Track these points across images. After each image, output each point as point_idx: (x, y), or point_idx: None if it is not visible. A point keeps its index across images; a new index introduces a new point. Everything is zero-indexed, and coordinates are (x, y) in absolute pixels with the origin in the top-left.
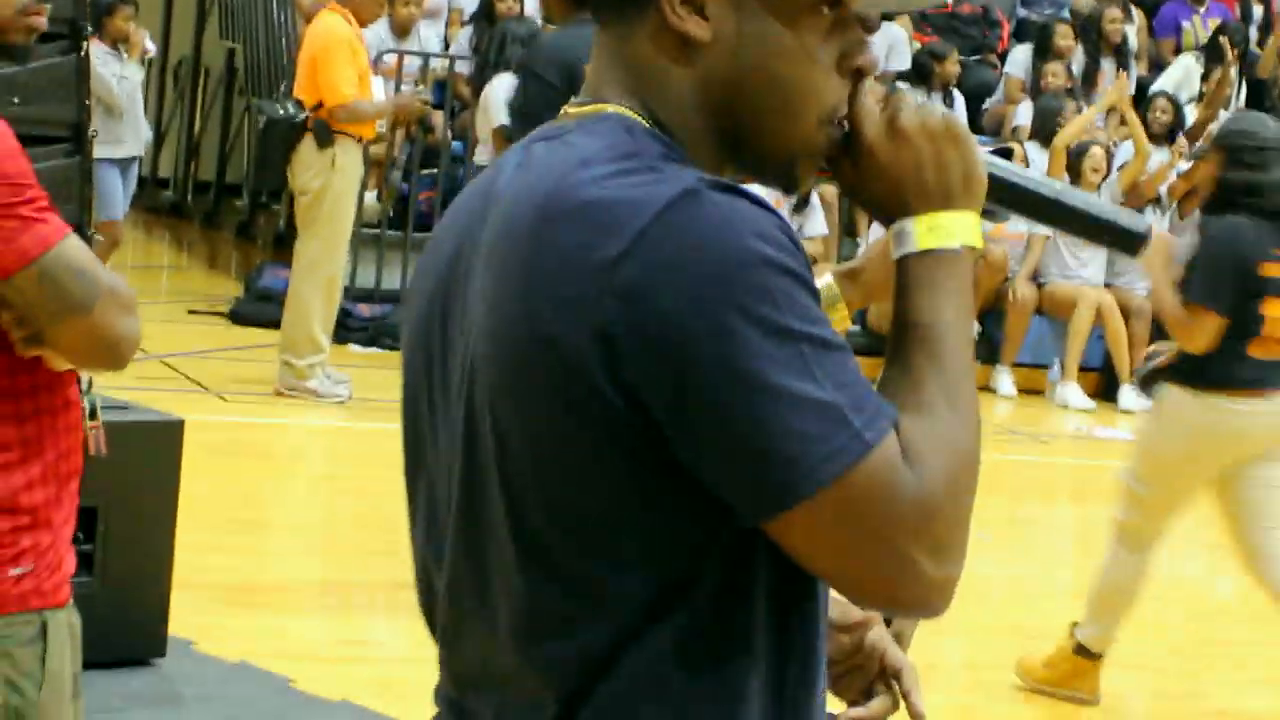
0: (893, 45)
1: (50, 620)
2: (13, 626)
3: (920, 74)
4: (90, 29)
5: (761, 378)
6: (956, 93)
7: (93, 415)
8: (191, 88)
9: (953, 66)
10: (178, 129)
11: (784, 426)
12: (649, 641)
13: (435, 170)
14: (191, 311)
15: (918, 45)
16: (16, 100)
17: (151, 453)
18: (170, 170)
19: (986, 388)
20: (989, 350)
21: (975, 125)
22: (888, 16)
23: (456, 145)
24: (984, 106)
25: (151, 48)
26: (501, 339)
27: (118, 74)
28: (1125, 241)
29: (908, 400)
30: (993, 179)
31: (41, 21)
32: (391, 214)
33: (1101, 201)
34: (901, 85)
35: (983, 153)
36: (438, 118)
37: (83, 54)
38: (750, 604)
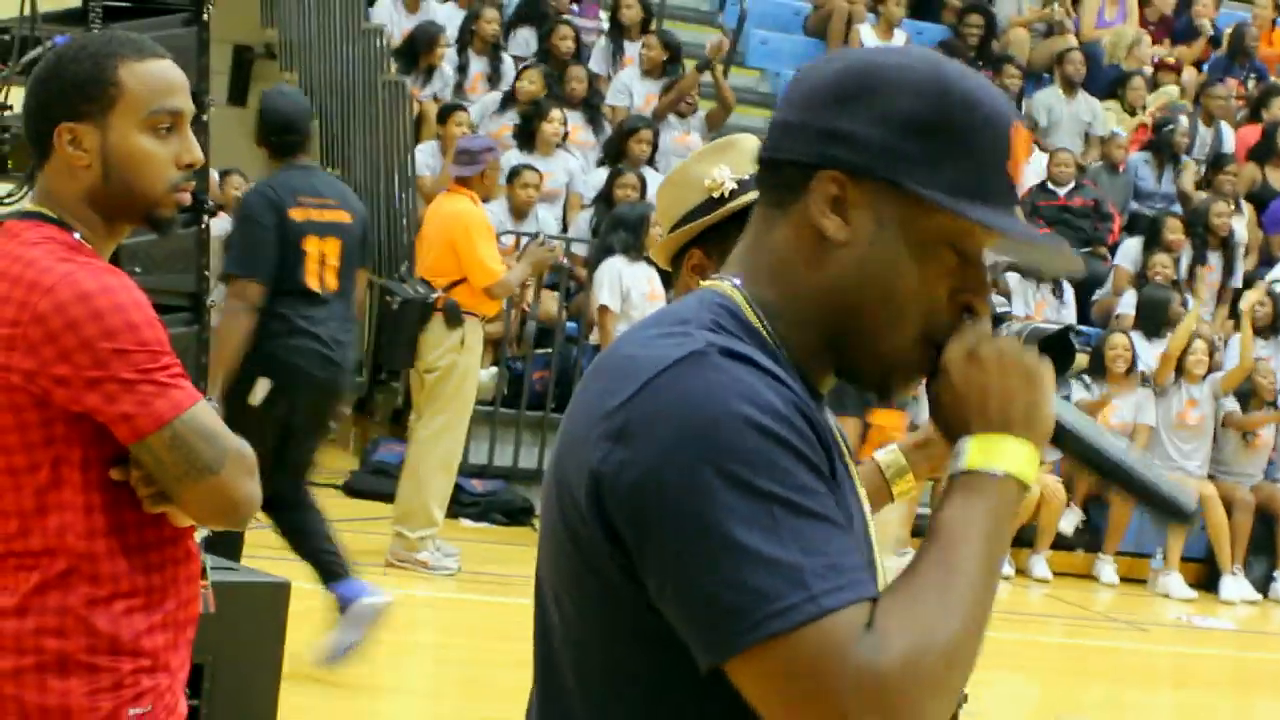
0: None
1: None
2: None
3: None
4: (221, 205)
5: (722, 530)
6: (1066, 284)
7: (203, 575)
8: None
9: None
10: None
11: (737, 578)
12: None
13: (549, 350)
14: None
15: None
16: (139, 269)
17: (258, 612)
18: None
19: (1089, 575)
20: (1093, 539)
21: (1084, 316)
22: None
23: (571, 326)
24: (1093, 298)
25: None
26: (547, 474)
27: None
28: (1175, 515)
29: (900, 584)
30: (1061, 426)
31: (188, 197)
32: (505, 392)
33: (1159, 471)
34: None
35: (1058, 401)
36: (552, 299)
37: (203, 226)
38: None
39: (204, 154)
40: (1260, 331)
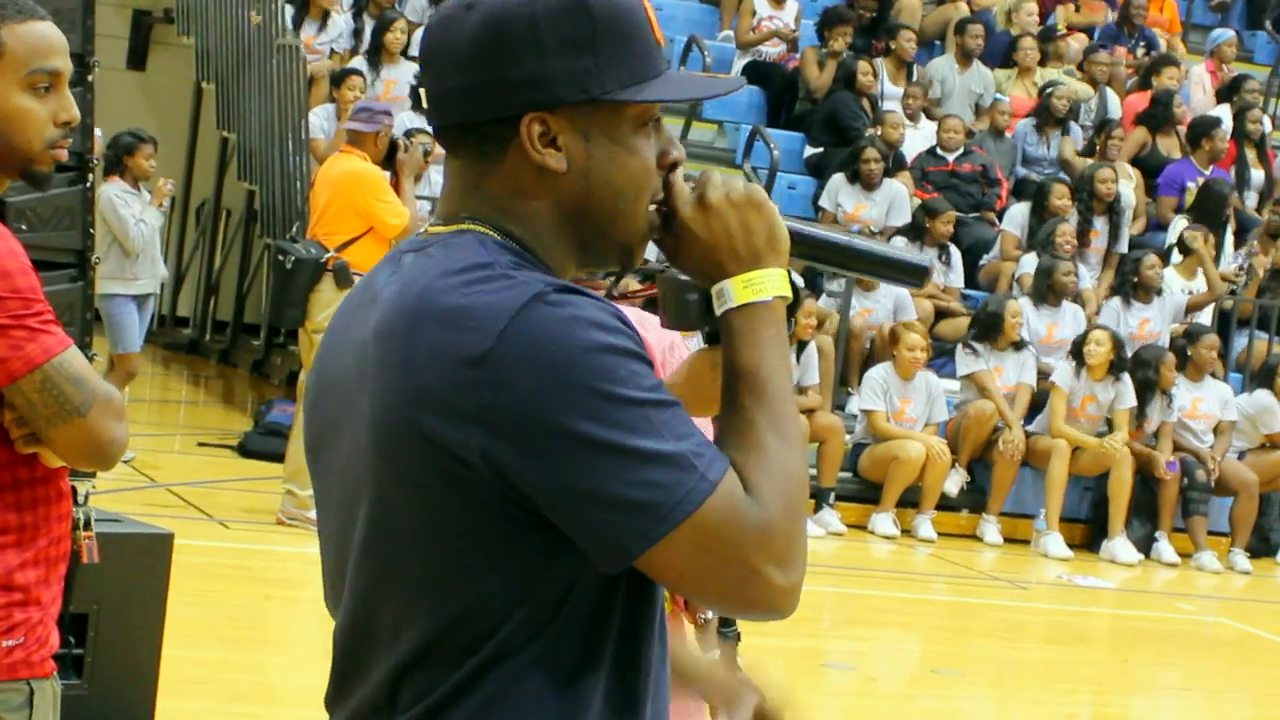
0: (894, 201)
1: (37, 689)
2: (4, 694)
3: (917, 229)
4: (111, 166)
5: (616, 442)
6: (953, 248)
7: (86, 526)
8: (212, 229)
9: (947, 224)
10: (198, 268)
11: (641, 478)
12: (511, 664)
13: None
14: (201, 444)
15: (918, 201)
16: (24, 227)
17: (142, 563)
18: (190, 309)
19: (973, 535)
20: (977, 500)
21: (972, 280)
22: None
23: None
24: (981, 262)
25: (172, 188)
26: (381, 426)
27: (137, 214)
28: (911, 275)
29: (742, 440)
30: (794, 236)
31: (64, 154)
32: None
33: (890, 245)
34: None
35: (782, 216)
36: None
37: (88, 186)
38: (607, 628)
39: (90, 114)
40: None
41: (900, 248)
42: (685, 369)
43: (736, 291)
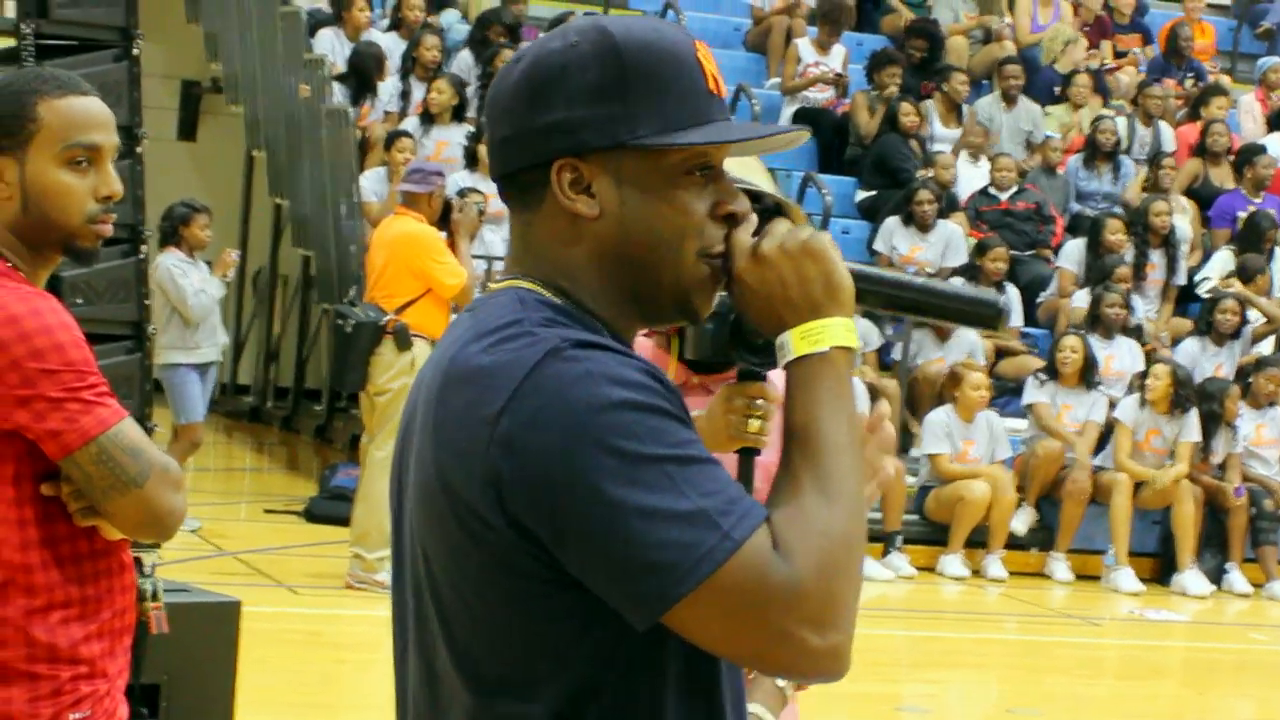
0: (949, 242)
1: None
2: None
3: (972, 270)
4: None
5: (630, 501)
6: (1010, 286)
7: (154, 597)
8: (269, 296)
9: (999, 262)
10: (257, 336)
11: (657, 538)
12: None
13: None
14: (267, 511)
15: (973, 241)
16: (80, 300)
17: (210, 632)
18: (250, 376)
19: (1042, 574)
20: (1046, 538)
21: (1030, 318)
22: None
23: None
24: (1038, 300)
25: (236, 258)
26: (422, 486)
27: (196, 285)
28: (984, 315)
29: (784, 497)
30: (859, 280)
31: (108, 229)
32: None
33: (959, 285)
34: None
35: (845, 262)
36: None
37: (141, 257)
38: (663, 678)
39: (140, 185)
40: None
41: (973, 288)
42: (710, 403)
43: (794, 343)
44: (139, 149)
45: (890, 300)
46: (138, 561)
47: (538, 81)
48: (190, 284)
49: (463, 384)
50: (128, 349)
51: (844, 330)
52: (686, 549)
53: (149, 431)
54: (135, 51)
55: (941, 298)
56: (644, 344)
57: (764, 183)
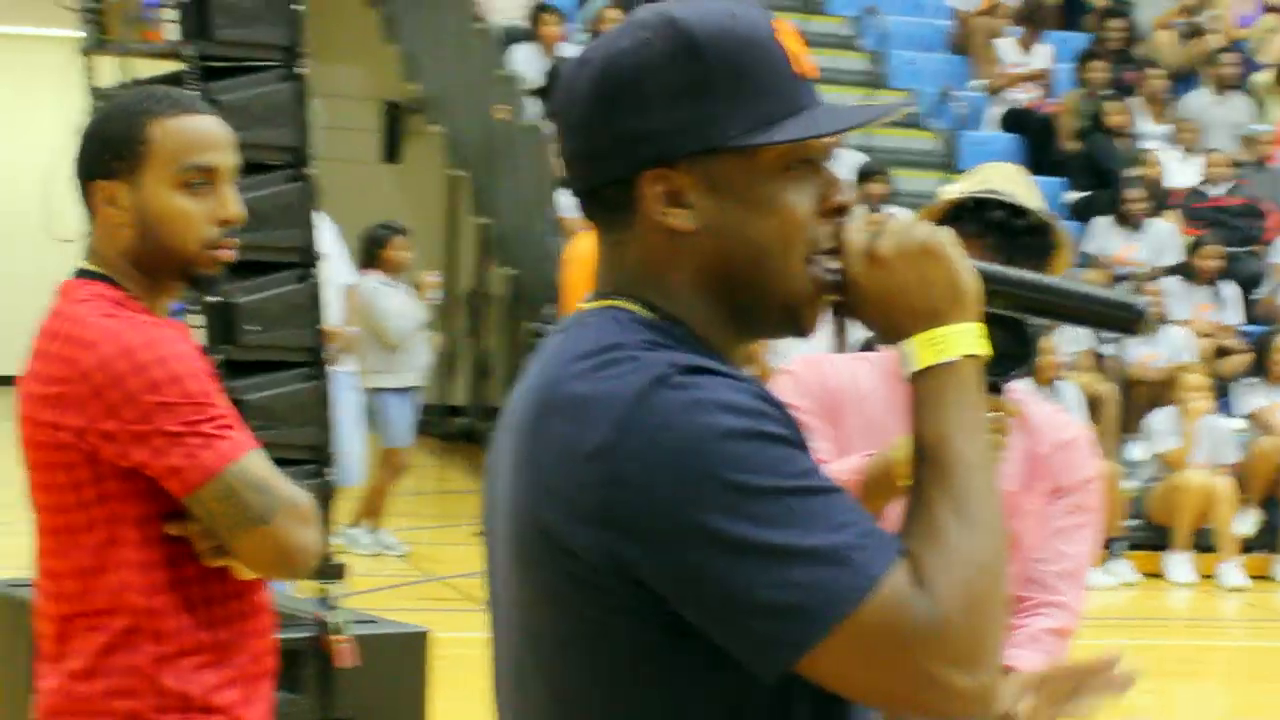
0: (1161, 240)
1: None
2: None
3: (1186, 268)
4: (368, 260)
5: (752, 540)
6: (1225, 284)
7: (339, 630)
8: (477, 316)
9: (1214, 260)
10: (468, 357)
11: (783, 579)
12: None
13: None
14: (481, 534)
15: (1187, 239)
16: (258, 327)
17: (398, 665)
18: (463, 398)
19: (1266, 576)
20: (1271, 539)
21: (1251, 315)
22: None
23: None
24: (1252, 296)
25: (436, 279)
26: (516, 527)
27: (397, 308)
28: (1123, 318)
29: (919, 525)
30: (987, 280)
31: (229, 254)
32: None
33: (1097, 287)
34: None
35: (970, 261)
36: None
37: (315, 281)
38: None
39: (312, 207)
40: None
41: (1110, 289)
42: None
43: (918, 353)
44: (308, 170)
45: (1021, 302)
46: (323, 595)
47: (612, 87)
48: (391, 307)
49: (560, 414)
50: (304, 375)
51: (971, 337)
52: (817, 590)
53: (329, 460)
54: (301, 71)
55: (1078, 299)
56: (889, 357)
57: (1025, 195)
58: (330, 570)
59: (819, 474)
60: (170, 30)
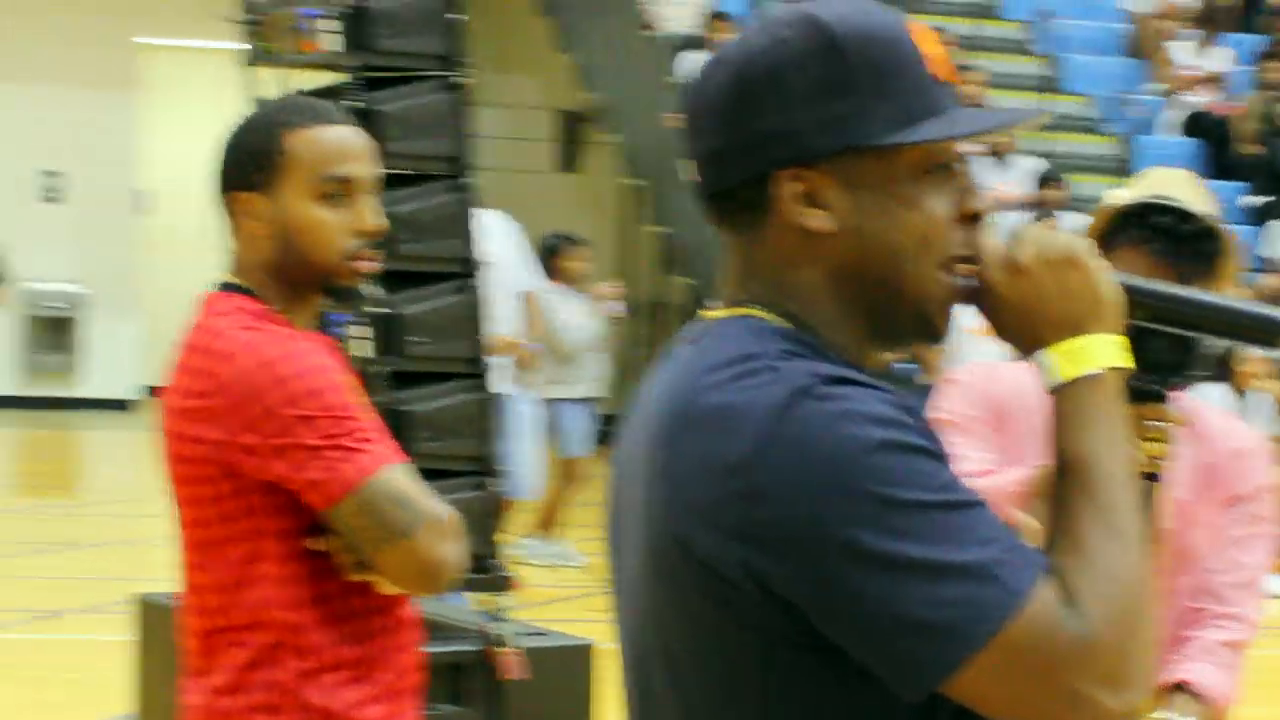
0: None
1: None
2: None
3: None
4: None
5: (897, 555)
6: None
7: (504, 643)
8: (657, 326)
9: None
10: (648, 368)
11: (931, 595)
12: None
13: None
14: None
15: None
16: (423, 339)
17: (565, 676)
18: None
19: None
20: None
21: None
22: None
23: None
24: None
25: (610, 291)
26: (650, 542)
27: (572, 318)
28: (1265, 334)
29: (1063, 540)
30: (1129, 292)
31: (369, 265)
32: None
33: (1239, 299)
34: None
35: (1112, 271)
36: None
37: (477, 291)
38: None
39: (468, 217)
40: None
41: (1252, 301)
42: None
43: (1058, 365)
44: (466, 181)
45: (1162, 314)
46: (492, 607)
47: (748, 85)
48: (566, 317)
49: (698, 427)
50: (467, 387)
51: (1113, 348)
52: (963, 607)
53: (494, 472)
54: (461, 80)
55: (1221, 313)
56: None
57: (1193, 200)
58: (499, 582)
59: (962, 487)
60: (330, 41)
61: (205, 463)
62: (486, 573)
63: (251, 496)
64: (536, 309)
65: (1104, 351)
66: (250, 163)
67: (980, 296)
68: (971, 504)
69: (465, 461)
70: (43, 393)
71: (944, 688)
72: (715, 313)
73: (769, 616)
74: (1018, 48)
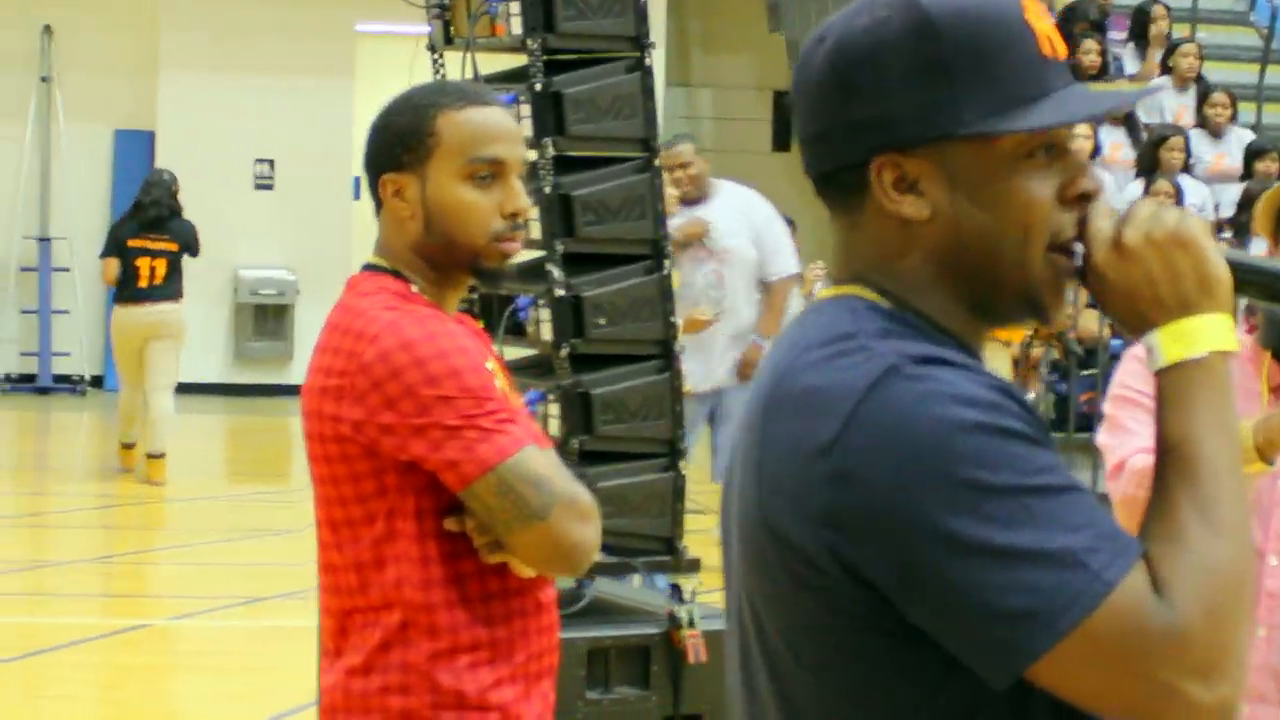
0: None
1: None
2: None
3: None
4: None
5: (984, 539)
6: None
7: (690, 624)
8: None
9: None
10: None
11: (1017, 582)
12: None
13: (1094, 371)
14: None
15: None
16: (604, 321)
17: None
18: None
19: None
20: None
21: None
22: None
23: (1115, 344)
24: None
25: (820, 272)
26: (745, 524)
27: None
28: None
29: (1160, 527)
30: (1238, 271)
31: (516, 247)
32: (1053, 415)
33: None
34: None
35: (1222, 250)
36: (1092, 317)
37: (665, 274)
38: None
39: (659, 199)
40: None
41: None
42: None
43: (1164, 347)
44: (656, 162)
45: (1273, 293)
46: (675, 588)
47: (846, 68)
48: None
49: (789, 408)
50: (656, 369)
51: (1221, 330)
52: (1052, 593)
53: (681, 454)
54: (648, 61)
55: None
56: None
57: None
58: (686, 564)
59: (1060, 471)
60: (515, 24)
61: (344, 441)
62: (673, 554)
63: (389, 476)
64: (779, 301)
65: (1210, 334)
66: (399, 144)
67: (1088, 277)
68: (1066, 488)
69: (651, 444)
70: (255, 380)
71: (1031, 675)
72: (825, 292)
73: (856, 603)
74: (1236, 19)
